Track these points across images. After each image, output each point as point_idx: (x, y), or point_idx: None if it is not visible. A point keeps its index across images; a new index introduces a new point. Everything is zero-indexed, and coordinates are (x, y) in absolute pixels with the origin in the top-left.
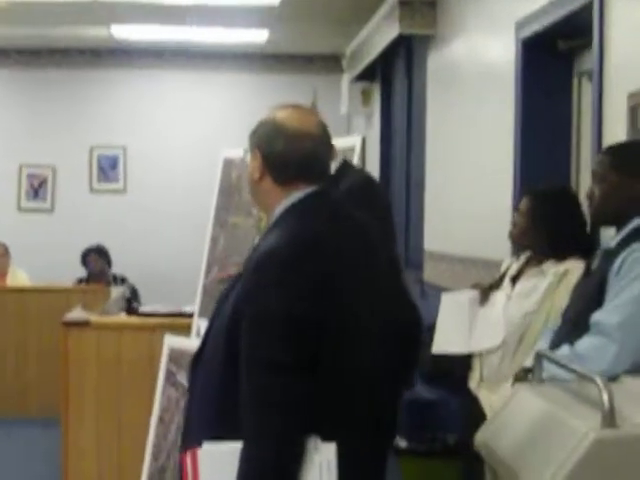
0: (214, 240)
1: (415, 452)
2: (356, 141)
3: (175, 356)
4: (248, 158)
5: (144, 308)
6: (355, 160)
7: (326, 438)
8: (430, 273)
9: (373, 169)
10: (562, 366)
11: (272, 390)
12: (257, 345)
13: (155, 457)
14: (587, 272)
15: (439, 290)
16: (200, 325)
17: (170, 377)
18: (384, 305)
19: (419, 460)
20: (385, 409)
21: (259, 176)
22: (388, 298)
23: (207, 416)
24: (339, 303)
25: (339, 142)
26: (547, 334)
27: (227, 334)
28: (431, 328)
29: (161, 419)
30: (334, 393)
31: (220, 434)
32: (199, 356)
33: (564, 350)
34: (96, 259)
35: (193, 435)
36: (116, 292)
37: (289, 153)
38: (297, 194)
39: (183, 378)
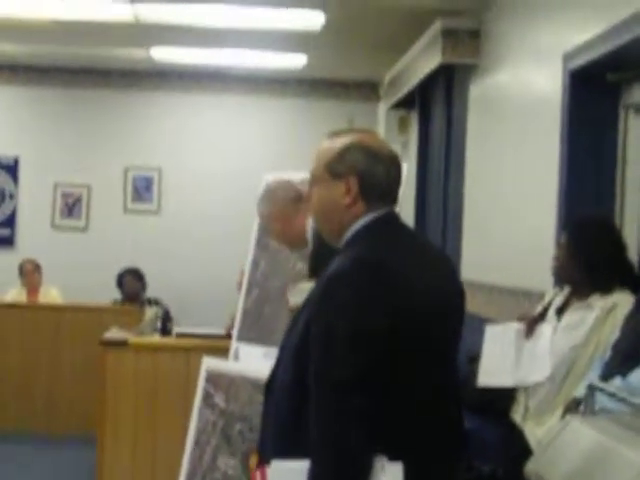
0: (255, 263)
1: None
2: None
3: (212, 378)
4: (313, 190)
5: (179, 329)
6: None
7: (394, 457)
8: (467, 302)
9: (409, 197)
10: (616, 398)
11: (334, 407)
12: (321, 363)
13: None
14: (638, 305)
15: (476, 320)
16: (238, 348)
17: (207, 399)
18: (448, 324)
19: None
20: (453, 428)
21: (351, 202)
22: (451, 318)
23: (280, 436)
24: (406, 322)
25: None
26: (597, 366)
27: (296, 352)
28: (472, 359)
29: (197, 442)
30: (403, 412)
31: (291, 453)
32: (271, 383)
33: (617, 382)
34: (132, 281)
35: (267, 455)
36: (150, 313)
37: (387, 178)
38: (369, 216)
39: (220, 400)
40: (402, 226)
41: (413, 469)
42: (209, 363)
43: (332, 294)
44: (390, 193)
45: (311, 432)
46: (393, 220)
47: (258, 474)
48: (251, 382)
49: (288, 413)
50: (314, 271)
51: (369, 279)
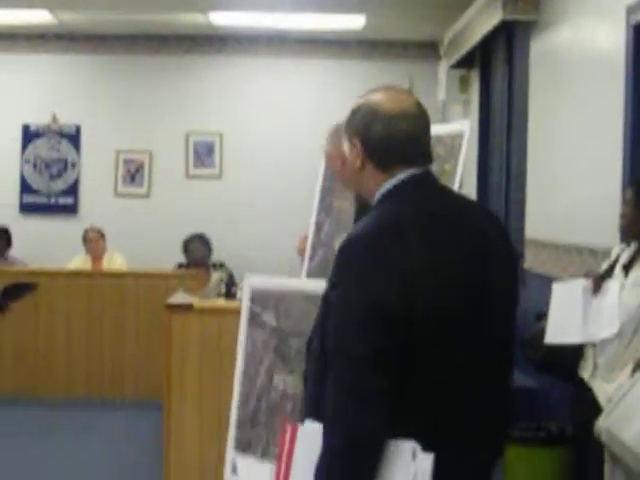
0: (318, 225)
1: (519, 440)
2: (464, 127)
3: (258, 297)
4: (346, 148)
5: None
6: (464, 148)
7: (427, 445)
8: (532, 261)
9: (470, 156)
10: None
11: (347, 380)
12: (336, 333)
13: (244, 404)
14: None
15: (541, 278)
16: None
17: (255, 318)
18: (484, 296)
19: (522, 448)
20: (488, 409)
21: (360, 164)
22: (494, 284)
23: (312, 399)
24: (428, 292)
25: (444, 129)
26: None
27: (322, 316)
28: (539, 317)
29: (247, 363)
30: (428, 393)
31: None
32: (309, 344)
33: None
34: (199, 247)
35: (303, 414)
36: (215, 277)
37: (388, 136)
38: (395, 178)
39: (270, 318)
40: (433, 188)
41: (443, 454)
42: (253, 281)
43: (347, 259)
44: (409, 152)
45: (325, 404)
46: (419, 182)
47: (289, 430)
48: (303, 296)
49: (314, 380)
50: None
51: (385, 245)
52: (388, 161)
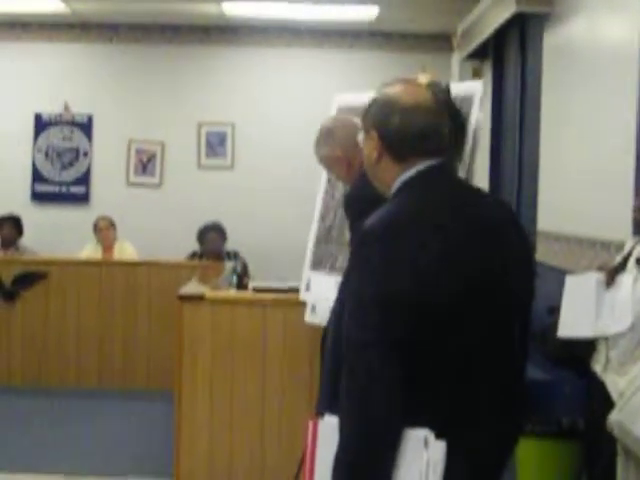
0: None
1: (530, 434)
2: (476, 88)
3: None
4: (361, 140)
5: (254, 284)
6: (475, 111)
7: (441, 432)
8: (543, 253)
9: (483, 148)
10: None
11: (361, 370)
12: (350, 323)
13: (323, 218)
14: None
15: (553, 271)
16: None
17: None
18: (499, 285)
19: (534, 442)
20: (503, 400)
21: (377, 156)
22: (504, 278)
23: (328, 391)
24: (443, 283)
25: (455, 88)
26: None
27: (339, 307)
28: (552, 310)
29: (329, 179)
30: (443, 383)
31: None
32: (326, 335)
33: None
34: (215, 238)
35: (322, 407)
36: (228, 267)
37: (405, 129)
38: (414, 169)
39: None
40: (450, 179)
41: (458, 443)
42: (341, 99)
43: (362, 250)
44: (427, 145)
45: (340, 395)
46: (431, 176)
47: (311, 426)
48: None
49: (330, 371)
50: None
51: (400, 236)
52: (405, 153)
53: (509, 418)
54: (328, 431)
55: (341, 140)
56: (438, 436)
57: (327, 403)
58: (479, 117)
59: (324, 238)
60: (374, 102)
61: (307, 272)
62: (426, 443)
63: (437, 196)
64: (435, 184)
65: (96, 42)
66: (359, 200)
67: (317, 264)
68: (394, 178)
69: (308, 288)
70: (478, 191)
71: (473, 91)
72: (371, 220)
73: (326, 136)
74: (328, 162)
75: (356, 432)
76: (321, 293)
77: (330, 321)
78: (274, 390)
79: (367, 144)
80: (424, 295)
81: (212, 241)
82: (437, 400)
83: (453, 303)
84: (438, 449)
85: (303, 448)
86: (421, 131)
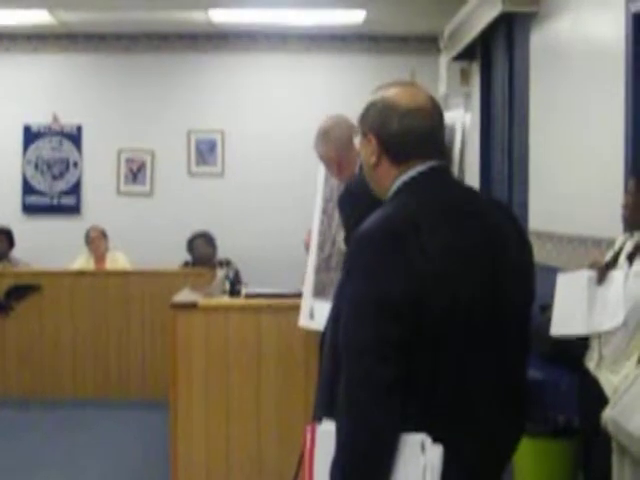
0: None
1: (526, 432)
2: (456, 118)
3: None
4: (357, 143)
5: (247, 290)
6: (458, 138)
7: (438, 436)
8: (535, 253)
9: (473, 148)
10: None
11: (357, 374)
12: (346, 327)
13: (321, 247)
14: None
15: (545, 270)
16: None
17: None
18: (498, 287)
19: (530, 440)
20: (504, 401)
21: (376, 160)
22: (504, 279)
23: (326, 396)
24: (441, 285)
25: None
26: None
27: (335, 311)
28: (544, 308)
29: (324, 210)
30: (443, 386)
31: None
32: (323, 342)
33: None
34: (203, 245)
35: (319, 413)
36: (220, 274)
37: (404, 132)
38: (408, 173)
39: None
40: (445, 182)
41: (458, 446)
42: None
43: (357, 256)
44: (425, 147)
45: (337, 399)
46: (431, 177)
47: (309, 431)
48: None
49: (328, 376)
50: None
51: (396, 239)
52: (404, 156)
53: (509, 421)
54: (326, 436)
55: (335, 141)
56: (435, 440)
57: (324, 408)
58: (464, 141)
59: (324, 267)
60: (371, 105)
61: (310, 300)
62: (423, 448)
63: (437, 197)
64: (435, 185)
65: (83, 52)
66: (353, 199)
67: (320, 292)
68: (392, 180)
69: (312, 316)
70: (478, 194)
71: (454, 121)
72: (368, 223)
73: (322, 136)
74: (324, 161)
75: (353, 436)
76: (326, 321)
77: (327, 326)
78: (269, 396)
79: (365, 147)
80: (422, 298)
81: (200, 249)
82: (434, 404)
83: (453, 306)
84: (435, 454)
85: (300, 453)
86: (420, 134)
